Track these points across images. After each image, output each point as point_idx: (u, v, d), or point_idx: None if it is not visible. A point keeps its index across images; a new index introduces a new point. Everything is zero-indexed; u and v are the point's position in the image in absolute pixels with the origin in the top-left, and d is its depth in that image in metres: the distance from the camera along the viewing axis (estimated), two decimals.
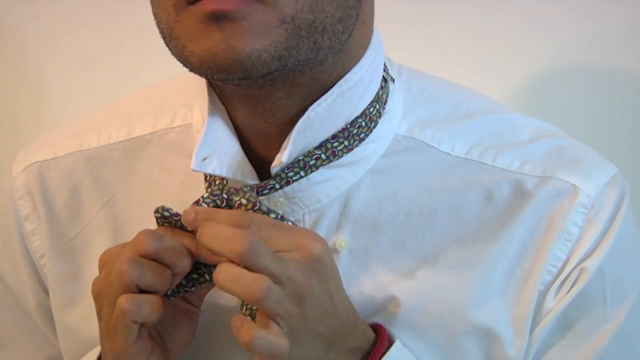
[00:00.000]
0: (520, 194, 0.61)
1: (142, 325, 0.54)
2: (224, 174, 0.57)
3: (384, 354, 0.58)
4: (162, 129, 0.66)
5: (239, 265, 0.50)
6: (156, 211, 0.55)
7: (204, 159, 0.56)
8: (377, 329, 0.59)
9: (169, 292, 0.56)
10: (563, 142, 0.64)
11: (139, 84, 0.73)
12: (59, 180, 0.67)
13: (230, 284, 0.50)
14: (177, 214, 0.55)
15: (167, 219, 0.55)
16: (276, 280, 0.51)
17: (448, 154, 0.63)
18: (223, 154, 0.57)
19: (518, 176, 0.62)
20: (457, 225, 0.61)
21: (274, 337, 0.50)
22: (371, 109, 0.60)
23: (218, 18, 0.49)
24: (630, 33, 0.90)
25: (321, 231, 0.61)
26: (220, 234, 0.51)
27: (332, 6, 0.52)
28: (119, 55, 1.01)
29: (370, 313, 0.61)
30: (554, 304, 0.61)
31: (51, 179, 0.67)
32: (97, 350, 0.61)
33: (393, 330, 0.61)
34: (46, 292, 0.69)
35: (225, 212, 0.55)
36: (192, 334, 0.59)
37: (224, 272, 0.50)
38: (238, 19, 0.49)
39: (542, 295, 0.61)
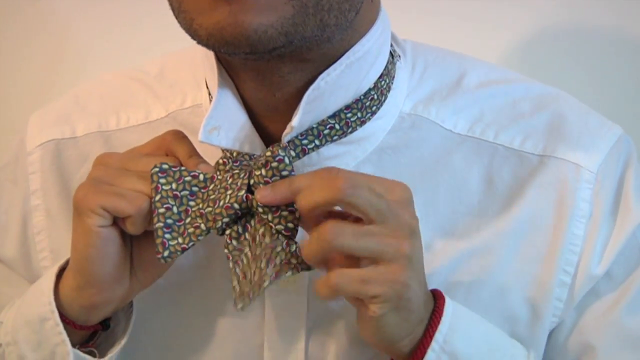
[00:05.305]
0: (522, 176, 0.62)
1: (115, 223, 0.56)
2: (229, 145, 0.58)
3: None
4: (174, 110, 0.67)
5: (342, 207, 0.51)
6: (154, 166, 0.56)
7: (212, 130, 0.57)
8: (434, 294, 0.58)
9: (166, 254, 0.55)
10: (563, 111, 0.65)
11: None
12: (76, 158, 0.68)
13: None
14: (175, 165, 0.56)
15: (165, 172, 0.56)
16: (382, 217, 0.51)
17: (450, 131, 0.64)
18: (231, 126, 0.58)
19: (520, 154, 0.63)
20: (459, 208, 0.63)
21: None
22: (382, 82, 0.61)
23: None
24: None
25: None
26: (316, 182, 0.51)
27: None
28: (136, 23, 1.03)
29: None
30: (599, 271, 0.62)
31: (69, 157, 0.68)
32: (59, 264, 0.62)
33: None
34: (28, 265, 0.69)
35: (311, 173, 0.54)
36: (161, 273, 0.61)
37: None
38: None
39: (572, 277, 0.62)
